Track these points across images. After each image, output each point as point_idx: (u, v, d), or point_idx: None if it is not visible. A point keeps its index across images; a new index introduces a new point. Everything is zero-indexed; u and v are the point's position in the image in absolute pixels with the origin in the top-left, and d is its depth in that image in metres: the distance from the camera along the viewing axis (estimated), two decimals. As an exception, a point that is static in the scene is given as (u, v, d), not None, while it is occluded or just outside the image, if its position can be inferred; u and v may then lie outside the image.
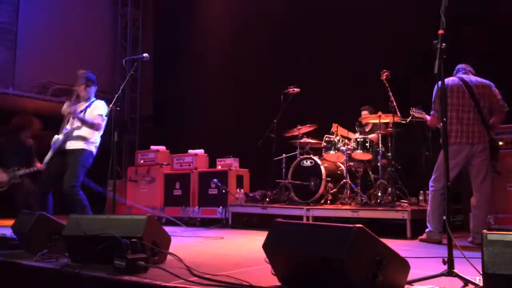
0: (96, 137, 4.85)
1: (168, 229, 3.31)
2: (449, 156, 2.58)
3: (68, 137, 4.77)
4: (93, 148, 4.84)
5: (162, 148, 7.85)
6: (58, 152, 4.80)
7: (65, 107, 4.68)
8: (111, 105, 3.99)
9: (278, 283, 2.35)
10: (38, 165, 6.12)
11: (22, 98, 9.24)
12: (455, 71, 4.63)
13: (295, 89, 6.50)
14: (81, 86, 4.92)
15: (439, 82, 2.58)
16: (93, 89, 4.99)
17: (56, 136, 4.88)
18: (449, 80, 4.40)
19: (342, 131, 6.30)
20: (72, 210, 4.46)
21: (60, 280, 2.74)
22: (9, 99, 9.01)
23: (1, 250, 3.45)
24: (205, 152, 7.57)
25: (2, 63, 9.34)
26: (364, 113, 6.29)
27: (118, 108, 4.05)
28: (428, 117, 4.73)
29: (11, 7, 9.52)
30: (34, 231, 3.33)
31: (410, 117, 5.34)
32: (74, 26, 10.37)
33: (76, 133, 4.78)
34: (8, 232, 3.74)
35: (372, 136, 6.01)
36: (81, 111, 4.76)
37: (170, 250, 3.12)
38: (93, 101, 4.94)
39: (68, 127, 4.80)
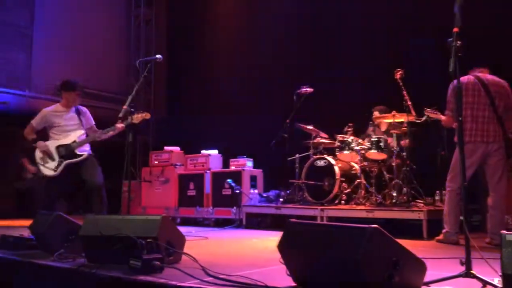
0: None
1: (182, 229, 3.33)
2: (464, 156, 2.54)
3: (77, 147, 5.06)
4: None
5: (176, 148, 7.89)
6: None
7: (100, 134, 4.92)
8: (124, 106, 4.02)
9: (293, 284, 2.34)
10: None
11: (38, 100, 9.35)
12: (469, 69, 4.56)
13: (308, 89, 6.47)
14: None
15: (454, 81, 2.55)
16: None
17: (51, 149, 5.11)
18: (464, 78, 4.33)
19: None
20: (93, 208, 4.60)
21: (77, 280, 2.77)
22: (25, 101, 9.14)
23: (19, 250, 3.51)
24: (218, 153, 7.59)
25: (19, 66, 9.48)
26: (376, 113, 6.24)
27: (132, 109, 4.07)
28: (443, 117, 4.67)
29: (27, 11, 9.66)
30: (51, 231, 3.37)
31: (425, 117, 5.28)
32: (88, 28, 10.48)
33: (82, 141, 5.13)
34: (26, 233, 3.79)
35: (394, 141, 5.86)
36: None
37: (185, 250, 3.13)
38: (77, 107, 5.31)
39: (68, 139, 5.02)
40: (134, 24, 11.39)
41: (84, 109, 5.42)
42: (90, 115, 5.43)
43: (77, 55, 10.21)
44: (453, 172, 4.36)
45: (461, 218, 4.16)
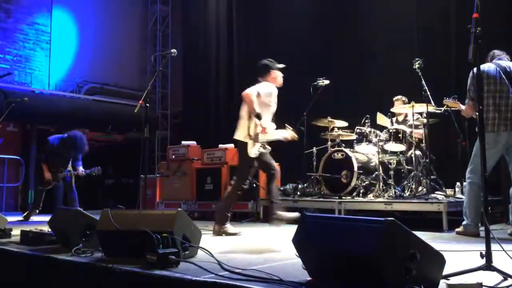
0: None
1: (199, 223, 3.33)
2: (486, 145, 2.47)
3: None
4: None
5: (193, 143, 7.91)
6: None
7: None
8: (140, 101, 4.03)
9: (309, 278, 2.32)
10: (80, 172, 6.37)
11: (57, 97, 9.50)
12: (489, 57, 4.42)
13: (324, 81, 6.40)
14: None
15: (474, 69, 2.47)
16: None
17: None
18: (484, 66, 4.20)
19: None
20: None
21: (94, 274, 2.79)
22: (45, 98, 9.28)
23: (39, 245, 3.56)
24: (235, 147, 7.57)
25: (38, 64, 9.63)
26: (397, 103, 6.14)
27: (148, 105, 4.09)
28: (462, 107, 4.55)
29: (45, 9, 9.79)
30: (69, 226, 3.41)
31: (444, 107, 5.17)
32: (105, 25, 10.58)
33: None
34: (46, 228, 3.85)
35: (417, 132, 5.77)
36: None
37: (201, 244, 3.13)
38: None
39: None
40: (151, 20, 11.45)
41: None
42: None
43: (95, 52, 10.33)
44: (474, 163, 4.24)
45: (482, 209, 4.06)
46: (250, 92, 4.43)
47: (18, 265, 3.37)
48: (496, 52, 4.41)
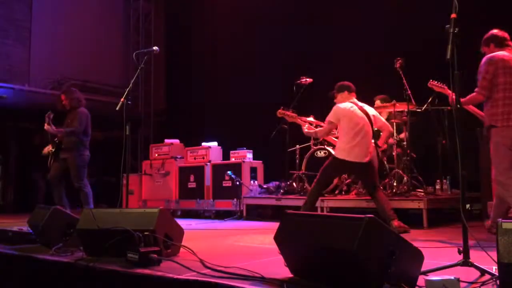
0: None
1: (181, 222, 3.32)
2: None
3: None
4: None
5: (176, 141, 7.88)
6: None
7: None
8: (122, 99, 4.00)
9: (291, 275, 2.34)
10: None
11: (38, 94, 9.34)
12: (493, 41, 3.91)
13: (307, 79, 6.42)
14: None
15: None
16: None
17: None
18: (498, 56, 3.78)
19: None
20: None
21: (75, 273, 2.77)
22: (25, 95, 9.12)
23: (18, 244, 3.51)
24: (218, 145, 7.58)
25: (18, 60, 9.46)
26: (377, 102, 6.20)
27: (129, 102, 4.05)
28: (449, 92, 4.13)
29: (25, 5, 9.61)
30: (49, 225, 3.37)
31: (427, 104, 5.22)
32: (87, 21, 10.43)
33: None
34: (26, 227, 3.80)
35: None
36: None
37: (184, 242, 3.13)
38: None
39: None
40: (133, 17, 11.35)
41: None
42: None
43: (77, 48, 10.17)
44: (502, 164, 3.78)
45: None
46: None
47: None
48: (499, 35, 3.93)
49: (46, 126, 5.67)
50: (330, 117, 4.62)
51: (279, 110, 5.16)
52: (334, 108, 4.66)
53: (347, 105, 4.63)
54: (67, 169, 5.75)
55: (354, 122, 4.52)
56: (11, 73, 9.22)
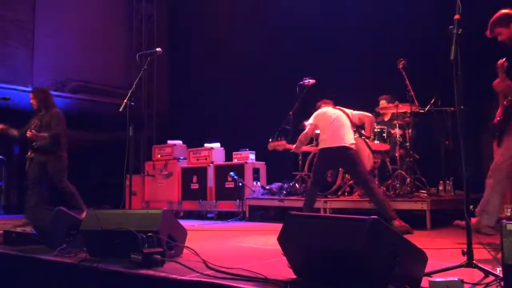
0: None
1: (185, 223, 3.33)
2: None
3: None
4: None
5: (178, 142, 7.89)
6: None
7: None
8: (125, 100, 4.01)
9: (294, 276, 2.33)
10: None
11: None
12: None
13: (310, 80, 6.43)
14: None
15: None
16: None
17: None
18: None
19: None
20: None
21: (79, 274, 2.77)
22: (28, 96, 9.13)
23: (22, 245, 3.51)
24: (221, 146, 7.58)
25: (21, 61, 9.49)
26: (382, 102, 6.19)
27: (133, 103, 4.06)
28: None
29: (28, 6, 9.64)
30: (53, 226, 3.38)
31: (430, 105, 5.24)
32: (89, 23, 10.46)
33: None
34: (29, 228, 3.81)
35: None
36: None
37: (187, 243, 3.13)
38: None
39: None
40: (136, 19, 11.37)
41: None
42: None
43: (80, 50, 10.20)
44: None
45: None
46: None
47: (1, 265, 3.32)
48: None
49: (29, 133, 5.42)
50: (309, 120, 5.15)
51: (270, 144, 5.50)
52: (313, 114, 5.20)
53: (323, 109, 5.18)
54: (47, 173, 5.61)
55: (327, 117, 4.99)
56: (14, 74, 9.25)
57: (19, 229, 3.79)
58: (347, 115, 5.08)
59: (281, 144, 5.44)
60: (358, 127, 5.24)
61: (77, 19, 10.28)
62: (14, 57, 9.39)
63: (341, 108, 5.19)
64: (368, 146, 5.32)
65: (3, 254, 3.33)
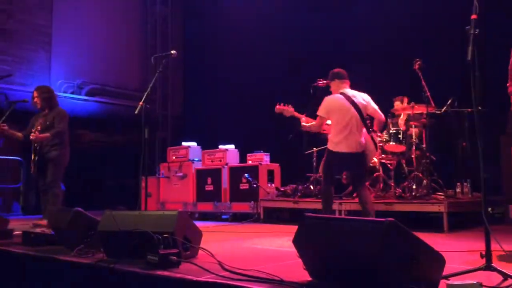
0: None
1: (200, 224, 3.34)
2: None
3: None
4: None
5: (193, 144, 7.93)
6: None
7: None
8: (140, 103, 4.04)
9: (310, 278, 2.33)
10: None
11: (58, 98, 9.49)
12: None
13: (324, 81, 6.39)
14: None
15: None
16: None
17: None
18: None
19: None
20: None
21: (96, 274, 2.80)
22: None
23: (40, 246, 3.57)
24: (235, 147, 7.60)
25: (39, 65, 9.64)
26: (397, 103, 6.14)
27: (148, 106, 4.10)
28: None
29: (46, 11, 9.80)
30: (71, 227, 3.42)
31: (447, 105, 5.17)
32: (105, 26, 10.59)
33: None
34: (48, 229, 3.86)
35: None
36: None
37: (202, 245, 3.14)
38: None
39: None
40: (150, 21, 11.47)
41: None
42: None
43: (96, 53, 10.33)
44: None
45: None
46: None
47: (20, 266, 3.38)
48: None
49: (32, 136, 5.36)
50: (319, 111, 4.60)
51: (277, 106, 5.09)
52: (323, 101, 4.61)
53: (335, 97, 4.59)
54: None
55: (342, 115, 4.48)
56: (32, 78, 9.40)
57: (37, 230, 3.85)
58: (359, 108, 4.53)
59: (289, 110, 5.00)
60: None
61: (93, 23, 10.42)
62: (33, 61, 9.54)
63: (354, 95, 4.61)
64: (374, 140, 4.81)
65: (22, 254, 3.39)
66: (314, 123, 4.74)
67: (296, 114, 5.02)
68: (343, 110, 4.49)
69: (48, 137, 5.41)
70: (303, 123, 4.87)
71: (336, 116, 4.52)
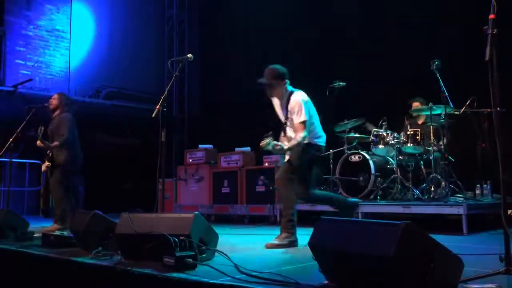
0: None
1: (215, 226, 3.35)
2: None
3: None
4: None
5: (209, 147, 7.97)
6: None
7: None
8: (157, 106, 4.08)
9: (326, 281, 2.32)
10: None
11: (77, 102, 9.65)
12: None
13: (340, 83, 6.36)
14: None
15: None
16: None
17: None
18: None
19: None
20: None
21: (113, 276, 2.83)
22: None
23: (59, 248, 3.63)
24: (251, 150, 7.61)
25: (58, 70, 9.81)
26: (415, 104, 6.07)
27: (165, 109, 4.13)
28: None
29: (64, 16, 9.98)
30: (89, 229, 3.47)
31: (465, 106, 5.09)
32: (122, 30, 10.73)
33: None
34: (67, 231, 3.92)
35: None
36: None
37: (218, 247, 3.15)
38: None
39: None
40: (167, 25, 11.57)
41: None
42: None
43: (113, 57, 10.48)
44: None
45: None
46: None
47: (40, 267, 3.44)
48: None
49: (38, 143, 5.49)
50: (302, 116, 4.11)
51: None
52: (299, 102, 4.14)
53: (301, 92, 4.25)
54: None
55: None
56: (52, 82, 9.57)
57: (57, 232, 3.91)
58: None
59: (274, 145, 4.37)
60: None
61: (111, 27, 10.57)
62: (52, 66, 9.72)
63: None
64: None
65: (41, 256, 3.45)
66: (299, 134, 4.13)
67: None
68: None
69: (56, 146, 5.53)
70: (286, 147, 4.27)
71: (312, 109, 4.33)
